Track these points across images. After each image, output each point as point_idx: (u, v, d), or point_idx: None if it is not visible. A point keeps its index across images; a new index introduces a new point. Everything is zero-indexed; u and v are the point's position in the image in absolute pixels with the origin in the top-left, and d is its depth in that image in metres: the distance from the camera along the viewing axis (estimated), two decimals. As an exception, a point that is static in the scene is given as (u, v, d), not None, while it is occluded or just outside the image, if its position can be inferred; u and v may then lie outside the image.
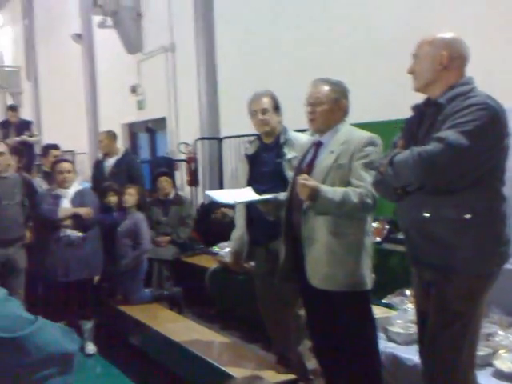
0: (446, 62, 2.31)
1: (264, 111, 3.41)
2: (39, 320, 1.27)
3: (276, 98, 3.49)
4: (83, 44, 10.83)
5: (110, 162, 6.02)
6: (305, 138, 3.28)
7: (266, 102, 3.43)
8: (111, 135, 6.21)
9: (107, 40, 9.78)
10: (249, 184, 3.46)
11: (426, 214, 2.25)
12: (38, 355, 1.20)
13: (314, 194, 2.64)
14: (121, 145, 9.80)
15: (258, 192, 3.21)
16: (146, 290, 4.81)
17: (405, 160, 2.19)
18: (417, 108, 2.44)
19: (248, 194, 3.20)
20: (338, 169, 2.76)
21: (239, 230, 3.54)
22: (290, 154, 3.32)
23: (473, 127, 2.13)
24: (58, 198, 4.45)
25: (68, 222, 4.37)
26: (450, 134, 2.12)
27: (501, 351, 2.95)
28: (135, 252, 4.66)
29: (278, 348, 3.61)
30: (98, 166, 6.17)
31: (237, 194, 3.25)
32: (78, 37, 10.86)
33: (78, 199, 4.47)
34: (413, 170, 2.17)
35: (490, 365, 2.89)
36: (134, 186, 4.92)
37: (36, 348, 1.20)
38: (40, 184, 5.33)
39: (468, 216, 2.20)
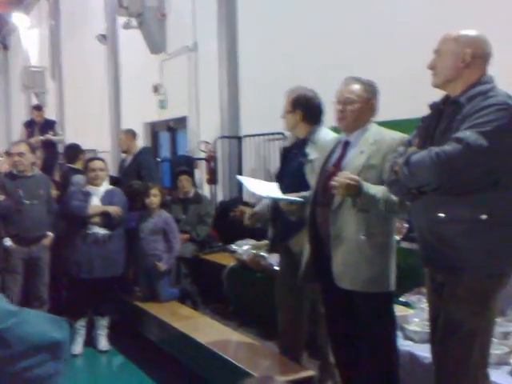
0: (469, 59, 2.28)
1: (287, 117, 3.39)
2: (22, 311, 1.26)
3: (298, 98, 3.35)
4: (107, 44, 10.98)
5: (128, 160, 6.16)
6: (328, 137, 3.21)
7: (287, 118, 3.38)
8: (129, 133, 6.30)
9: (131, 40, 9.88)
10: (277, 178, 3.44)
11: (441, 215, 2.22)
12: (21, 347, 1.19)
13: (357, 190, 2.58)
14: (142, 143, 9.94)
15: (279, 188, 3.19)
16: (174, 289, 4.84)
17: (422, 160, 2.15)
18: (434, 106, 2.40)
19: (275, 191, 3.16)
20: (370, 169, 2.72)
21: (265, 202, 3.54)
22: (312, 154, 3.24)
23: (492, 128, 2.09)
24: (88, 195, 4.49)
25: (96, 220, 4.41)
26: (469, 135, 2.08)
27: (518, 350, 2.91)
28: (172, 253, 4.70)
29: (285, 341, 3.59)
30: (120, 165, 6.33)
31: (265, 187, 3.21)
32: (102, 37, 11.00)
33: (108, 198, 4.50)
34: (430, 171, 2.14)
35: (507, 363, 2.85)
36: (155, 185, 4.96)
37: (18, 340, 1.20)
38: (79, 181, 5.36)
39: (484, 217, 2.17)
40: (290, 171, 3.36)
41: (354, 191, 2.58)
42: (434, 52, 2.37)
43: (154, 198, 4.73)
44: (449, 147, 2.10)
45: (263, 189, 3.20)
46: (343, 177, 2.59)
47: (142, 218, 4.76)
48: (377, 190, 2.62)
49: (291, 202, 3.04)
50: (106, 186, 4.59)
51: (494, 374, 2.47)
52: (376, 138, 2.77)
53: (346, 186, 2.56)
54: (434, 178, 2.16)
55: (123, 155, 6.49)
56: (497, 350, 2.84)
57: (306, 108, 3.32)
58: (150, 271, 4.67)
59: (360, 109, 2.83)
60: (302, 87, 3.43)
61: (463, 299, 2.25)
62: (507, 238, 2.22)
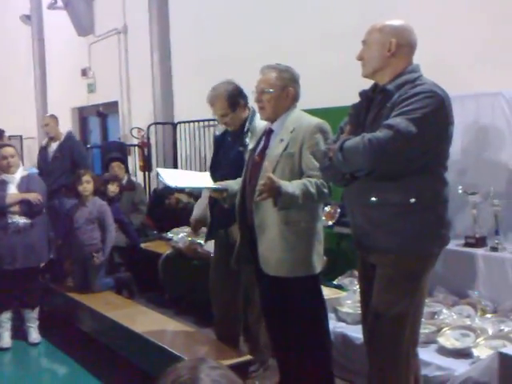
0: (394, 49, 2.34)
1: (223, 117, 3.32)
2: None
3: (232, 91, 3.30)
4: (32, 25, 10.52)
5: (54, 146, 5.95)
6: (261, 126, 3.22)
7: (221, 107, 3.29)
8: (55, 118, 6.09)
9: (57, 22, 9.52)
10: (212, 167, 3.43)
11: (373, 199, 2.30)
12: None
13: (277, 192, 2.60)
14: (70, 128, 9.61)
15: (216, 177, 3.19)
16: (108, 278, 4.76)
17: (355, 146, 2.22)
18: (364, 94, 2.47)
19: (202, 180, 3.16)
20: (288, 157, 2.76)
21: (204, 200, 3.51)
22: (252, 143, 3.22)
23: (421, 115, 2.18)
24: (4, 183, 4.31)
25: (16, 209, 4.26)
26: (399, 121, 2.16)
27: (445, 329, 3.07)
28: (107, 243, 4.60)
29: (221, 329, 3.62)
30: (41, 151, 6.05)
31: (190, 177, 3.21)
32: (26, 18, 10.54)
33: (25, 185, 4.35)
34: (363, 156, 2.20)
35: (435, 342, 3.01)
36: (87, 172, 4.82)
37: None
38: None
39: (413, 200, 2.26)
40: (228, 160, 3.36)
41: (276, 193, 2.61)
42: (361, 43, 2.42)
43: (88, 184, 4.60)
44: (380, 133, 2.18)
45: (183, 179, 3.17)
46: (263, 183, 2.61)
47: (76, 207, 4.64)
48: (294, 187, 2.64)
49: (214, 190, 3.05)
50: (21, 172, 4.42)
51: (422, 352, 2.60)
52: (295, 126, 2.80)
53: (269, 189, 2.59)
54: (367, 163, 2.23)
55: (44, 142, 6.20)
56: (425, 329, 2.99)
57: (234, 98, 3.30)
58: (86, 261, 4.56)
59: (276, 97, 2.83)
60: (219, 85, 3.37)
61: (394, 280, 2.34)
62: (433, 220, 2.33)
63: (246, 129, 3.32)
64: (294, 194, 2.61)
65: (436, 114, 2.22)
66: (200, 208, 3.58)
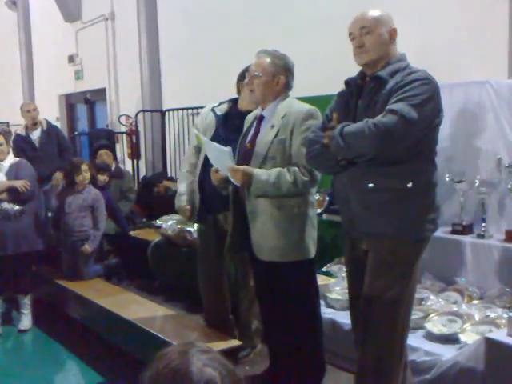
0: (395, 36, 2.40)
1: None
2: None
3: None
4: (18, 11, 10.39)
5: (36, 134, 5.86)
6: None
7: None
8: (36, 106, 6.04)
9: (44, 7, 9.41)
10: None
11: (370, 185, 2.32)
12: None
13: (248, 179, 2.68)
14: (56, 115, 9.52)
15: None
16: (97, 266, 4.75)
17: (360, 131, 2.21)
18: (353, 82, 2.47)
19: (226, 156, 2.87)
20: (279, 144, 2.77)
21: (186, 188, 3.48)
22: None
23: (420, 101, 2.21)
24: (-9, 171, 4.30)
25: (4, 196, 4.25)
26: (402, 107, 2.18)
27: (432, 315, 3.11)
28: (98, 232, 4.61)
29: (210, 315, 3.65)
30: (24, 139, 5.88)
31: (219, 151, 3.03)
32: (12, 3, 10.41)
33: (14, 172, 4.34)
34: (369, 141, 2.20)
35: (422, 327, 3.05)
36: (84, 161, 4.84)
37: None
38: None
39: (410, 185, 2.30)
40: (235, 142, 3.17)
41: (246, 180, 2.68)
42: (360, 30, 2.39)
43: (86, 173, 4.62)
44: (385, 119, 2.19)
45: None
46: (229, 167, 2.69)
47: (70, 193, 4.62)
48: (269, 176, 2.69)
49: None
50: (10, 159, 4.41)
51: (410, 338, 2.62)
52: (286, 112, 2.82)
53: (234, 174, 2.68)
54: (373, 148, 2.23)
55: (20, 130, 6.00)
56: (412, 315, 3.02)
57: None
58: (75, 248, 4.56)
59: (266, 83, 2.84)
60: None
61: (389, 265, 2.37)
62: (427, 204, 2.38)
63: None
64: (266, 181, 2.67)
65: (432, 100, 2.26)
66: (187, 195, 3.52)
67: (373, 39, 2.38)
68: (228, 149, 2.78)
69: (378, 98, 2.32)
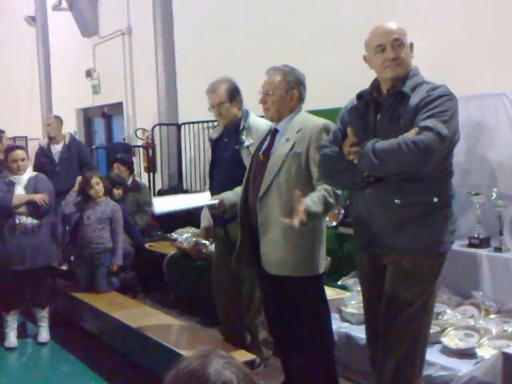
0: (412, 49, 2.42)
1: (219, 105, 3.39)
2: None
3: (232, 85, 3.44)
4: (37, 27, 10.56)
5: (57, 148, 5.90)
6: (264, 125, 3.27)
7: (220, 95, 3.39)
8: (59, 120, 6.09)
9: (62, 23, 9.55)
10: (210, 168, 3.53)
11: (397, 201, 2.32)
12: None
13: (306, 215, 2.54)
14: (75, 129, 9.63)
15: (214, 176, 3.30)
16: (114, 278, 4.78)
17: (397, 150, 2.19)
18: (368, 95, 2.45)
19: (199, 199, 3.26)
20: (294, 157, 2.78)
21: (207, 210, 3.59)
22: (248, 140, 3.33)
23: (448, 117, 2.23)
24: (11, 184, 4.34)
25: (23, 210, 4.28)
26: (436, 124, 2.19)
27: (449, 329, 3.08)
28: (118, 245, 4.63)
29: (226, 329, 3.65)
30: (45, 152, 5.95)
31: (186, 200, 3.34)
32: (31, 19, 10.57)
33: (32, 186, 4.37)
34: (410, 159, 2.19)
35: (439, 342, 3.02)
36: (94, 174, 4.86)
37: None
38: None
39: (436, 199, 2.32)
40: (225, 159, 3.42)
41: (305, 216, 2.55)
42: (393, 41, 2.35)
43: (98, 186, 4.64)
44: (423, 136, 2.17)
45: (175, 204, 3.32)
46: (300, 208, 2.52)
47: (87, 206, 4.65)
48: (318, 206, 2.59)
49: (210, 206, 3.18)
50: (29, 173, 4.44)
51: (427, 352, 2.60)
52: (301, 126, 2.83)
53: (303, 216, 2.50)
54: (413, 166, 2.22)
55: (44, 143, 6.10)
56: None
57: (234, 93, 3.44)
58: (92, 261, 4.59)
59: (280, 100, 2.86)
60: (221, 77, 3.50)
61: (414, 278, 2.36)
62: (449, 216, 2.40)
63: (241, 127, 3.38)
64: (317, 213, 2.60)
65: (456, 115, 2.29)
66: (206, 217, 3.63)
67: (405, 52, 2.38)
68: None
69: (401, 113, 2.31)
